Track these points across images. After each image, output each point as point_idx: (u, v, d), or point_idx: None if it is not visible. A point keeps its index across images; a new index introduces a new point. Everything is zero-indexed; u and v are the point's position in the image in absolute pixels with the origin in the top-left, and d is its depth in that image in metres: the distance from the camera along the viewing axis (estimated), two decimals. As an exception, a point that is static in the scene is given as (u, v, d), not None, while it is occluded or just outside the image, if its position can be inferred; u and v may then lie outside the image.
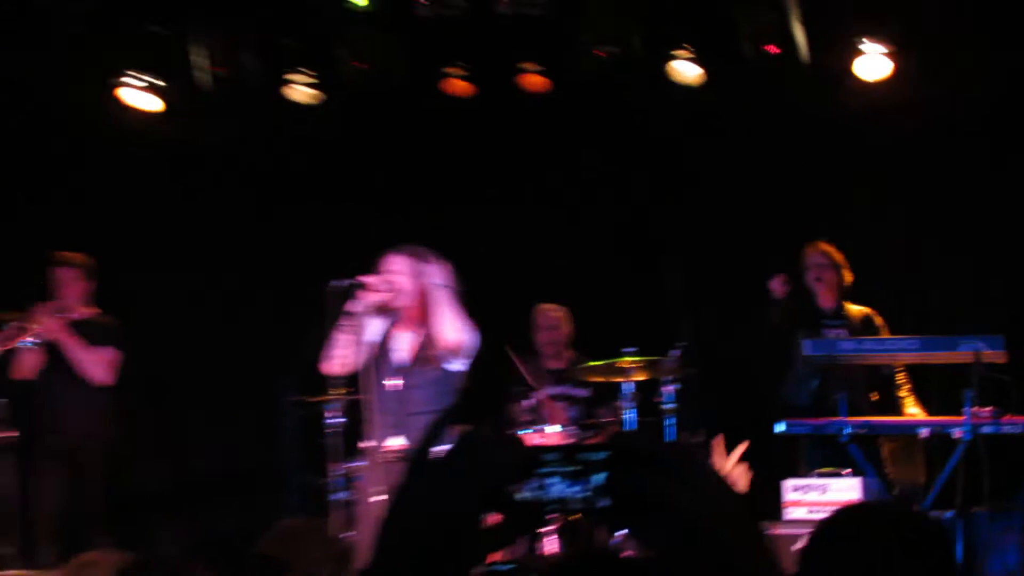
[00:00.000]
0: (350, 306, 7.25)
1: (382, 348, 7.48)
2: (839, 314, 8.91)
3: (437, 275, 7.44)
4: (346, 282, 7.22)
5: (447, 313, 7.40)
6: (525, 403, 9.35)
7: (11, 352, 8.92)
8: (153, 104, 9.90)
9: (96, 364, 9.02)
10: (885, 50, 9.36)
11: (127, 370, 9.20)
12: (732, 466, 5.20)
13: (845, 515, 2.79)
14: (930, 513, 7.88)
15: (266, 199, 10.56)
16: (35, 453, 8.97)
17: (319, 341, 7.42)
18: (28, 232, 10.11)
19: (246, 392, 10.13)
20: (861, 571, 2.58)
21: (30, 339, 8.91)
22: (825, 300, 8.92)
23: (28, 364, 8.98)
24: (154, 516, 10.44)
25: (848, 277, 8.91)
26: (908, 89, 9.45)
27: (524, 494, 1.84)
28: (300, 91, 9.90)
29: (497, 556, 7.51)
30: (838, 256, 8.92)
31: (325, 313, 7.24)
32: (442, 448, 1.81)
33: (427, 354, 7.44)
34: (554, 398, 9.33)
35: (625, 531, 2.00)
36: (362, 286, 7.24)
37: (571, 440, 8.68)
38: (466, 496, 1.81)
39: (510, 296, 9.68)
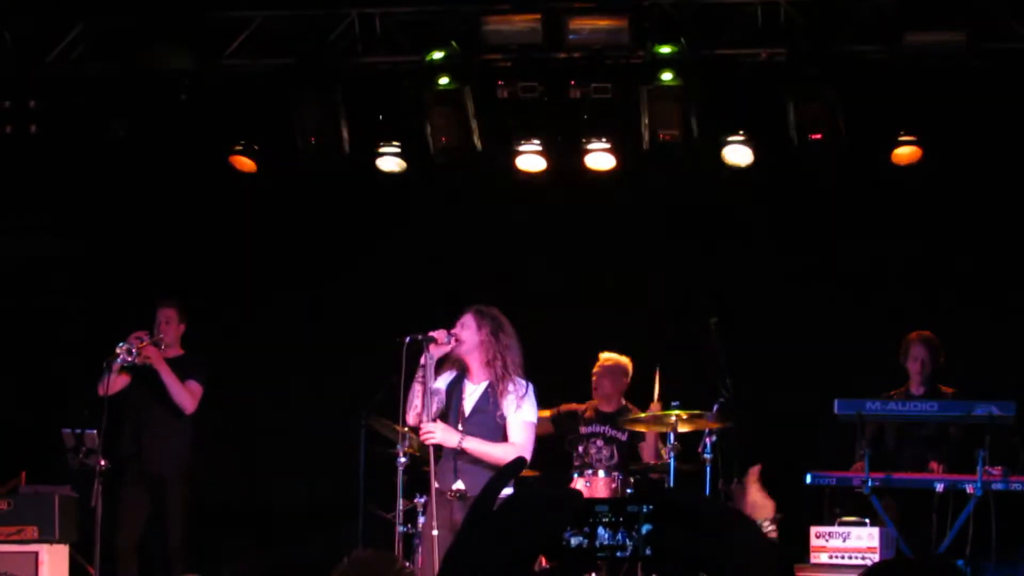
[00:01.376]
0: (422, 359, 7.35)
1: (451, 397, 7.60)
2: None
3: (502, 333, 7.55)
4: (419, 336, 7.33)
5: (518, 382, 7.51)
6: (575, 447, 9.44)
7: (106, 369, 8.98)
8: (250, 166, 10.23)
9: (185, 395, 9.22)
10: (916, 138, 9.57)
11: (210, 404, 9.42)
12: (755, 491, 5.43)
13: (885, 567, 2.83)
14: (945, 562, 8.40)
15: (347, 256, 10.70)
16: (124, 480, 9.22)
17: (390, 387, 7.52)
18: (137, 276, 10.46)
19: (322, 431, 10.18)
20: None
21: (128, 358, 9.01)
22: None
23: (117, 383, 9.09)
24: (232, 542, 10.50)
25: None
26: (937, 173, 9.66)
27: (576, 540, 1.90)
28: (389, 161, 10.13)
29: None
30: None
31: (397, 361, 7.30)
32: (506, 494, 1.88)
33: (489, 406, 7.53)
34: (593, 435, 9.45)
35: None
36: (432, 340, 7.34)
37: (615, 485, 8.76)
38: (524, 541, 1.85)
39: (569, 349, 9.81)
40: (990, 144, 9.63)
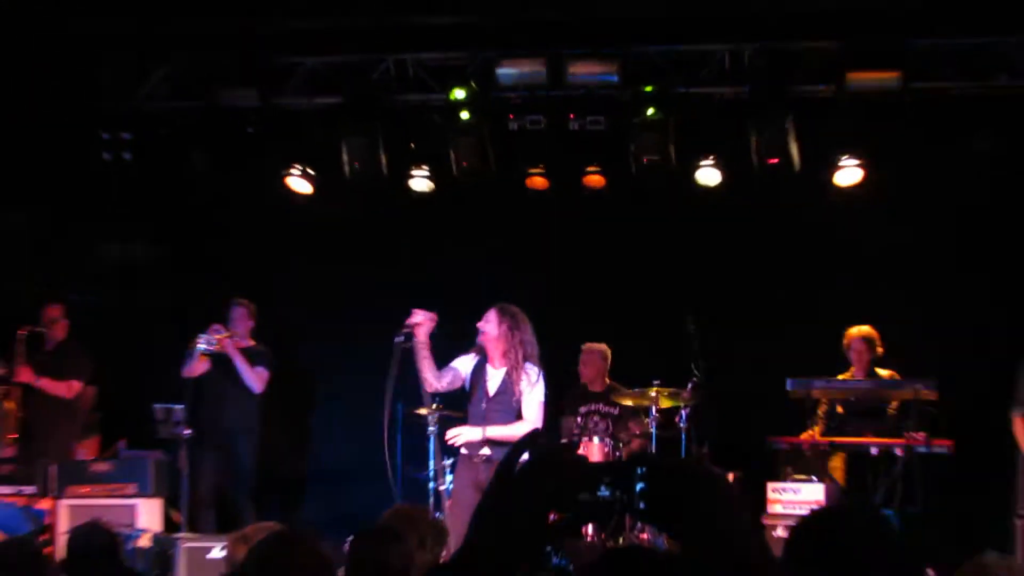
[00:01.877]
0: (408, 341, 7.66)
1: (478, 380, 7.78)
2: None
3: (519, 328, 7.68)
4: (401, 334, 7.67)
5: (530, 368, 7.65)
6: (576, 420, 9.61)
7: (188, 355, 9.34)
8: (305, 187, 10.40)
9: (254, 378, 9.56)
10: (857, 162, 9.69)
11: (273, 384, 9.70)
12: None
13: (820, 514, 2.81)
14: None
15: (385, 259, 10.75)
16: (203, 446, 9.43)
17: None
18: (213, 277, 10.70)
19: (366, 403, 9.83)
20: (834, 558, 2.54)
21: (207, 347, 9.34)
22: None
23: (198, 368, 9.45)
24: (292, 497, 10.72)
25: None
26: (875, 192, 9.74)
27: (584, 496, 1.94)
28: (420, 182, 10.28)
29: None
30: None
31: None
32: (525, 459, 1.94)
33: (508, 389, 7.68)
34: (589, 413, 9.53)
35: (657, 528, 2.40)
36: (411, 332, 7.65)
37: (607, 450, 8.87)
38: (540, 498, 1.92)
39: (569, 336, 9.87)
40: (919, 166, 9.68)
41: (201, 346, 9.36)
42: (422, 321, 7.63)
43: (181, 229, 11.03)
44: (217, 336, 9.44)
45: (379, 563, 4.20)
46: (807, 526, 2.70)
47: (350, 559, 4.28)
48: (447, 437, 7.73)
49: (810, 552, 2.60)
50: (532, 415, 7.73)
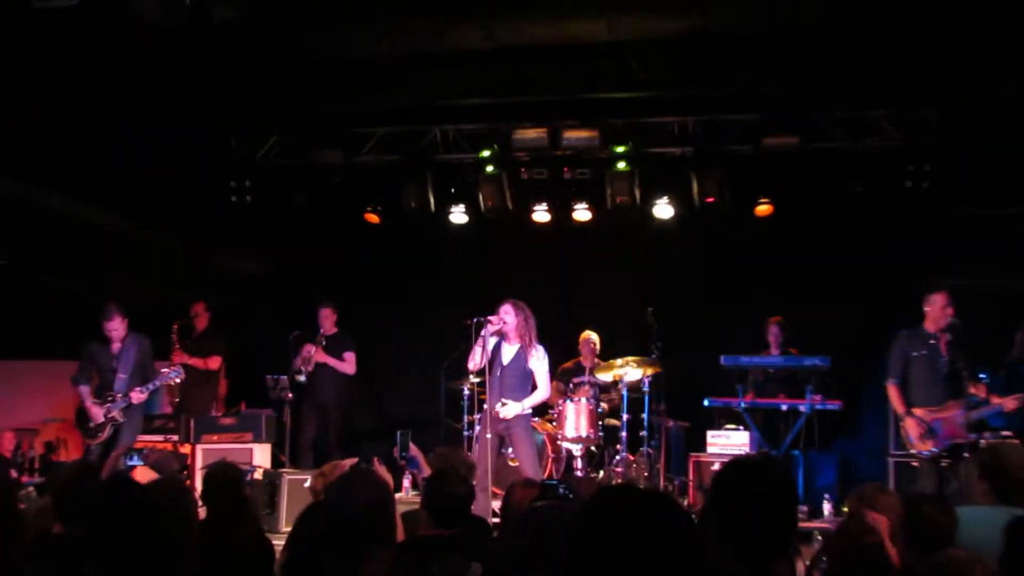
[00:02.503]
0: (483, 331, 7.26)
1: (496, 355, 7.48)
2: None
3: (527, 316, 7.43)
4: (478, 319, 7.31)
5: (537, 349, 7.40)
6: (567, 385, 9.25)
7: (294, 346, 9.27)
8: (376, 220, 10.17)
9: (344, 366, 9.26)
10: (769, 200, 9.52)
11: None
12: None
13: (735, 461, 2.70)
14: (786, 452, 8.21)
15: (433, 272, 10.54)
16: (305, 406, 9.25)
17: (463, 349, 7.55)
18: (308, 285, 10.42)
19: (419, 374, 10.27)
20: (745, 493, 2.45)
21: (302, 377, 9.21)
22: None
23: (299, 361, 9.25)
24: (368, 445, 9.96)
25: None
26: (783, 221, 9.60)
27: None
28: (458, 216, 10.03)
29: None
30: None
31: (466, 334, 7.35)
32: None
33: (519, 361, 7.42)
34: (581, 383, 9.22)
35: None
36: (488, 321, 7.30)
37: (591, 407, 8.62)
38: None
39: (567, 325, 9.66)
40: (814, 203, 9.59)
41: (301, 379, 9.20)
42: (495, 321, 7.30)
43: (286, 250, 10.87)
44: (308, 355, 9.24)
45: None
46: (726, 470, 2.61)
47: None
48: (496, 410, 7.31)
49: (730, 488, 2.50)
50: (543, 382, 7.49)
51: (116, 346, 7.96)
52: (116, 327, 7.90)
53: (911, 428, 7.13)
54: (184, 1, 5.66)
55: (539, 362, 7.44)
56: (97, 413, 7.84)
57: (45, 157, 8.58)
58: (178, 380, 8.31)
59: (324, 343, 9.33)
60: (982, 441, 7.22)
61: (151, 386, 7.97)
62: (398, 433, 5.03)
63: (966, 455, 6.86)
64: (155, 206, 9.53)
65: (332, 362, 9.28)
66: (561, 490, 3.83)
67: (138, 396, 7.85)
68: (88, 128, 8.43)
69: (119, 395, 7.82)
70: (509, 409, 7.32)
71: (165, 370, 8.18)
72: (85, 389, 7.94)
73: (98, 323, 7.94)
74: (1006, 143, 8.43)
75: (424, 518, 4.02)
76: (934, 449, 7.04)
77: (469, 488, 4.16)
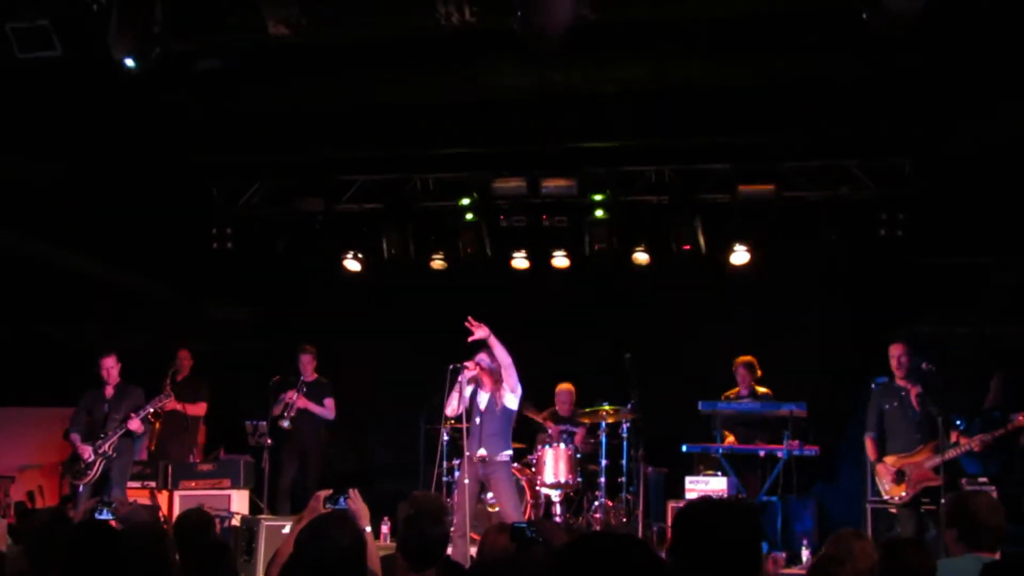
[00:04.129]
0: (460, 377, 7.25)
1: (472, 400, 7.43)
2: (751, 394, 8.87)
3: (503, 363, 7.32)
4: (454, 365, 7.27)
5: (507, 384, 7.32)
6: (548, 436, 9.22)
7: (274, 392, 9.13)
8: (356, 267, 10.06)
9: (325, 412, 9.20)
10: (746, 248, 9.43)
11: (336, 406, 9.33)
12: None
13: (695, 503, 2.59)
14: (762, 499, 8.19)
15: (411, 316, 10.30)
16: (285, 452, 9.15)
17: (441, 394, 7.39)
18: (291, 331, 10.32)
19: (398, 420, 10.11)
20: (703, 533, 2.38)
21: (285, 418, 9.02)
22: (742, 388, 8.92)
23: (278, 409, 9.09)
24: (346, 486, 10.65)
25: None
26: (758, 267, 9.51)
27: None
28: (437, 262, 9.97)
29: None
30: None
31: (443, 380, 7.29)
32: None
33: (495, 406, 7.36)
34: (562, 431, 9.18)
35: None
36: (464, 367, 7.28)
37: (570, 454, 8.56)
38: None
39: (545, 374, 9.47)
40: (788, 250, 9.56)
41: (284, 424, 9.10)
42: (471, 367, 7.30)
43: (267, 296, 10.84)
44: (291, 401, 9.16)
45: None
46: (688, 510, 2.53)
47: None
48: (477, 453, 7.32)
49: (686, 533, 2.43)
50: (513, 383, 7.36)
51: (109, 390, 8.16)
52: (111, 365, 8.12)
53: (882, 475, 7.28)
54: (154, 49, 5.71)
55: (508, 390, 7.37)
56: (87, 451, 7.98)
57: (30, 204, 8.62)
58: (167, 402, 8.44)
59: (304, 389, 9.25)
60: (960, 488, 7.35)
61: (143, 412, 8.10)
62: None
63: (942, 501, 6.90)
64: (137, 254, 9.54)
65: (313, 408, 9.22)
66: (528, 533, 3.81)
67: (135, 424, 8.00)
68: (71, 177, 8.49)
69: (110, 431, 7.96)
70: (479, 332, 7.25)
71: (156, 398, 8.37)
72: (76, 437, 8.14)
73: (80, 370, 8.08)
74: (980, 190, 8.55)
75: (399, 561, 4.00)
76: (904, 494, 7.13)
77: (444, 531, 4.16)
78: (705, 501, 2.61)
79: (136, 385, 8.38)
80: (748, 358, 8.98)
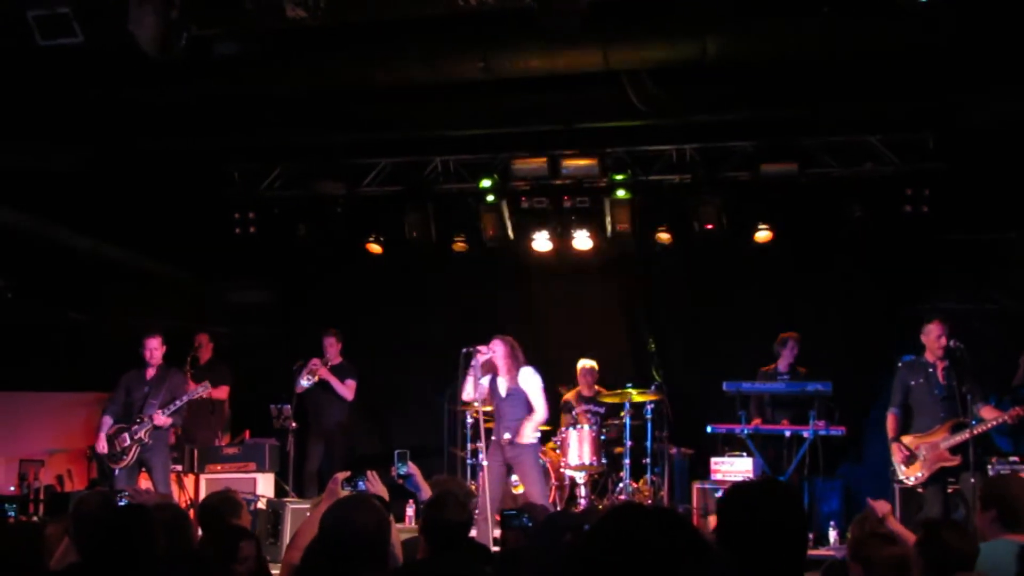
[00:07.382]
0: (472, 360, 7.37)
1: (494, 386, 7.51)
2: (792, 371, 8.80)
3: (516, 348, 7.45)
4: (467, 349, 7.37)
5: (524, 370, 7.43)
6: (571, 416, 9.22)
7: (297, 374, 9.17)
8: (377, 250, 10.12)
9: (344, 390, 9.21)
10: (768, 226, 9.47)
11: (359, 389, 9.39)
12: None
13: (738, 486, 2.49)
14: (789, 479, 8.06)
15: (436, 299, 10.42)
16: (309, 435, 9.26)
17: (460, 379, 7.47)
18: (310, 314, 10.44)
19: (422, 403, 10.04)
20: (749, 515, 2.31)
21: (308, 383, 9.15)
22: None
23: (302, 386, 9.21)
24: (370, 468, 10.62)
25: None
26: (782, 246, 9.54)
27: None
28: (460, 245, 10.04)
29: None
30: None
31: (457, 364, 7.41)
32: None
33: (514, 390, 7.44)
34: (585, 410, 9.20)
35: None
36: (475, 351, 7.38)
37: (594, 435, 8.58)
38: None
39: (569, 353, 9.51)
40: (812, 228, 9.51)
41: (304, 382, 9.16)
42: (484, 351, 7.35)
43: (290, 279, 10.88)
44: (315, 368, 9.19)
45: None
46: (731, 494, 2.46)
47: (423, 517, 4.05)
48: (504, 437, 7.37)
49: (737, 513, 2.37)
50: (539, 402, 7.51)
51: (151, 372, 8.12)
52: (156, 346, 8.06)
53: (895, 454, 7.21)
54: (182, 36, 5.74)
55: (529, 380, 7.45)
56: (122, 436, 7.97)
57: (52, 191, 8.66)
58: (204, 393, 8.36)
59: (328, 364, 9.34)
60: (988, 467, 7.26)
61: (174, 407, 8.04)
62: (395, 452, 4.97)
63: (971, 480, 6.82)
64: (160, 239, 9.57)
65: (334, 381, 9.21)
66: (523, 519, 3.87)
67: (161, 419, 7.95)
68: (94, 163, 8.52)
69: (146, 416, 7.94)
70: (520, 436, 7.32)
71: (192, 386, 8.31)
72: (108, 419, 8.08)
73: (103, 354, 7.99)
74: (1006, 166, 8.43)
75: (421, 544, 3.99)
76: (919, 474, 7.07)
77: (467, 515, 4.12)
78: (751, 483, 2.56)
79: (178, 369, 8.34)
80: (796, 334, 8.88)
